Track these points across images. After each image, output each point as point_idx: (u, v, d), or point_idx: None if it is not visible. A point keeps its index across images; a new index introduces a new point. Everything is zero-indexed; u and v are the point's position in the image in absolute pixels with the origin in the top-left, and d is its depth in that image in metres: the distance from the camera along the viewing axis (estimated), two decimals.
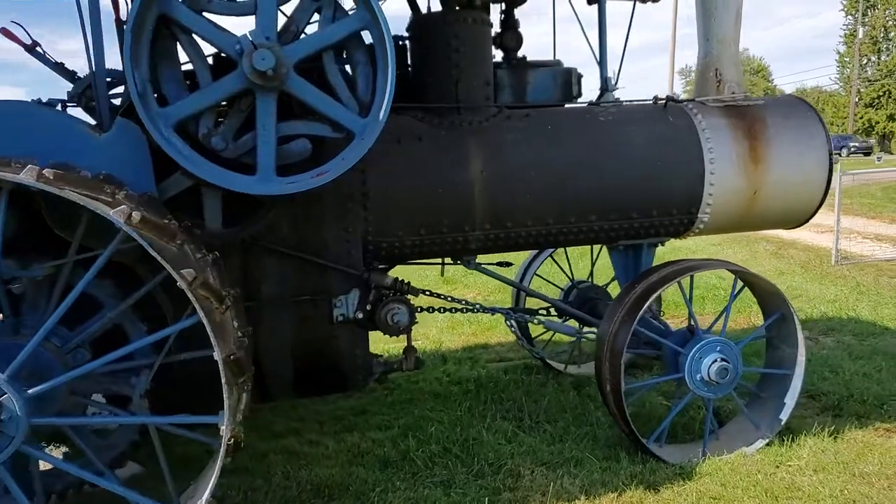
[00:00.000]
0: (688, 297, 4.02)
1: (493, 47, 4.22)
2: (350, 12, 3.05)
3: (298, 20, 3.04)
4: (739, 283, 4.12)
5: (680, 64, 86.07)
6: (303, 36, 3.06)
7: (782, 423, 3.85)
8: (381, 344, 5.38)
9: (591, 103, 4.28)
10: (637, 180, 3.96)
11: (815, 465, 3.55)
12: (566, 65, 4.35)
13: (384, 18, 2.94)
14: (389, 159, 3.72)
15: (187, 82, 3.10)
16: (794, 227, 4.52)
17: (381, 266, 4.38)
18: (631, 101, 4.26)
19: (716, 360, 3.62)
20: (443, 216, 3.76)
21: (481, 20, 3.98)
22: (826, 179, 4.18)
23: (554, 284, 5.66)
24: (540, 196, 3.85)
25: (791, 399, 3.87)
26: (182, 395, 3.17)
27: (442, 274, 4.89)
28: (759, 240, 12.00)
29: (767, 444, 3.80)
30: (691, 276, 4.00)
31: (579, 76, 4.45)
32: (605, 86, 4.34)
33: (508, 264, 4.94)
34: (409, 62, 4.07)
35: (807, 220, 4.40)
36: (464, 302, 4.28)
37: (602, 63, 4.35)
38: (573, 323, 4.90)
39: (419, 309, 4.40)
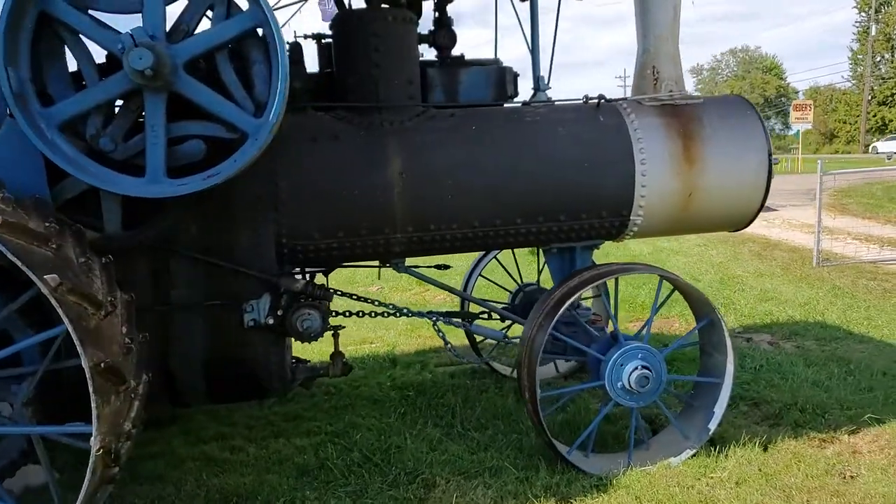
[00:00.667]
0: (613, 301, 3.90)
1: (418, 45, 4.16)
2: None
3: (189, 18, 2.97)
4: (672, 289, 4.00)
5: (692, 62, 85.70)
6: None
7: (710, 433, 3.74)
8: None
9: (524, 103, 4.19)
10: (564, 182, 3.86)
11: (737, 478, 3.44)
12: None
13: (273, 17, 2.87)
14: (304, 160, 3.66)
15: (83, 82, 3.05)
16: (735, 230, 4.41)
17: (312, 270, 4.34)
18: (563, 100, 4.17)
19: (636, 368, 3.52)
20: (361, 218, 3.68)
21: (404, 18, 3.90)
22: (766, 181, 4.06)
23: (502, 287, 5.56)
24: (464, 198, 3.76)
25: (720, 409, 3.76)
26: (74, 402, 3.12)
27: (378, 276, 4.80)
28: (746, 240, 11.84)
29: (695, 455, 3.70)
30: (616, 280, 3.90)
31: (515, 75, 4.36)
32: (537, 85, 4.25)
33: (447, 267, 4.87)
34: (332, 61, 3.99)
35: (748, 223, 4.29)
36: (391, 306, 4.21)
37: (535, 61, 4.26)
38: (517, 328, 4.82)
39: (347, 313, 4.37)
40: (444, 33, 4.34)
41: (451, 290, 4.38)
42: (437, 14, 4.34)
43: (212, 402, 3.83)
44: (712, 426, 3.75)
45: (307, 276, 4.38)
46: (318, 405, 4.81)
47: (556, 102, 4.17)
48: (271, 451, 4.07)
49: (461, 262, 5.66)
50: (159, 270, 3.48)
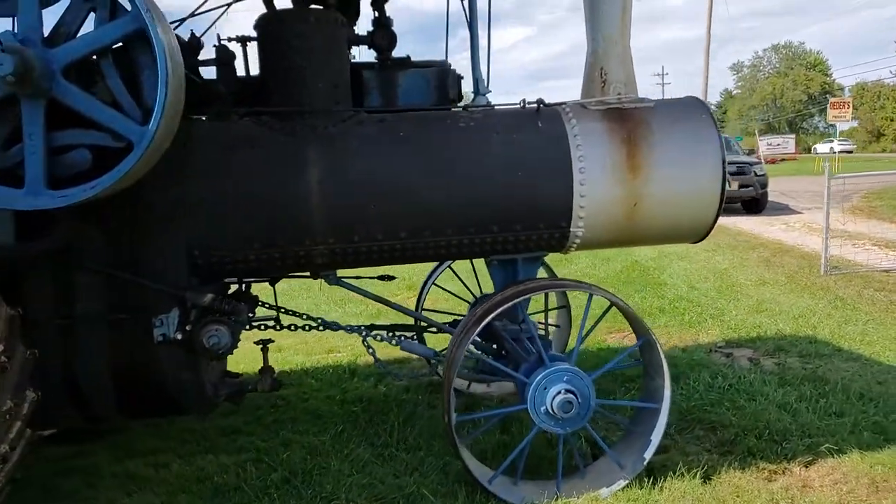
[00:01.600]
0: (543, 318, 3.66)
1: (348, 47, 4.01)
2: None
3: (69, 22, 2.85)
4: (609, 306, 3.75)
5: (732, 59, 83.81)
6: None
7: (644, 462, 3.49)
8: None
9: (465, 108, 3.98)
10: (496, 192, 3.65)
11: None
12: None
13: (153, 20, 2.73)
14: (220, 168, 3.52)
15: None
16: (692, 242, 4.13)
17: (249, 281, 4.21)
18: (502, 105, 3.95)
19: (560, 392, 3.29)
20: (278, 229, 3.53)
21: (330, 19, 3.74)
22: (719, 189, 3.78)
23: (461, 299, 5.36)
24: (389, 208, 3.58)
25: (656, 436, 3.51)
26: None
27: (319, 288, 4.64)
28: (757, 245, 11.45)
29: (627, 487, 3.45)
30: (546, 296, 3.67)
31: (458, 77, 4.18)
32: (476, 88, 4.04)
33: (391, 278, 4.70)
34: (259, 64, 3.85)
35: (704, 235, 4.01)
36: (319, 319, 4.05)
37: (474, 63, 4.05)
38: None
39: (277, 326, 4.23)
40: (382, 34, 4.17)
41: (386, 302, 4.20)
42: (375, 14, 4.19)
43: (126, 417, 3.72)
44: (648, 455, 3.50)
45: (244, 286, 4.28)
46: (261, 419, 4.68)
47: (496, 107, 3.96)
48: (195, 468, 3.95)
49: (421, 271, 5.47)
50: (63, 283, 3.37)
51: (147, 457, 4.11)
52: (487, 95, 4.08)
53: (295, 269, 3.80)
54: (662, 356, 3.48)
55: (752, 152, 22.90)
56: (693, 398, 4.59)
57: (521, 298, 3.50)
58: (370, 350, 4.00)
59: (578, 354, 3.63)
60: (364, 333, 3.98)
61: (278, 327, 4.25)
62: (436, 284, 5.33)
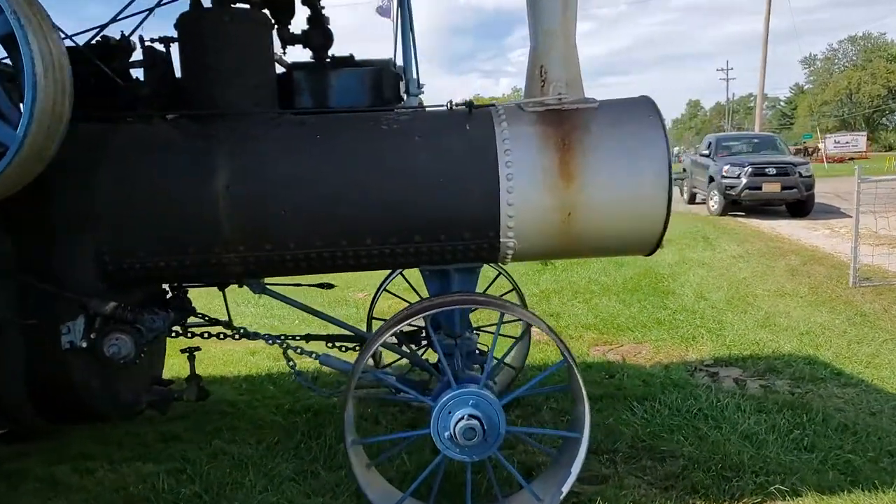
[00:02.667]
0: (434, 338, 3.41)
1: (283, 46, 3.88)
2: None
3: None
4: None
5: (804, 52, 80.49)
6: None
7: (561, 496, 3.22)
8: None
9: (392, 109, 3.79)
10: (417, 199, 3.44)
11: None
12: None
13: (19, 23, 2.65)
14: (131, 172, 3.44)
15: None
16: (642, 254, 3.83)
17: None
18: (434, 106, 3.74)
19: (462, 418, 3.06)
20: (187, 236, 3.42)
21: (249, 18, 3.61)
22: (665, 197, 3.47)
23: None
24: (302, 215, 3.43)
25: (576, 468, 3.23)
26: None
27: (225, 301, 4.45)
28: (789, 252, 10.81)
29: None
30: (457, 313, 3.45)
31: (397, 77, 3.99)
32: (407, 88, 3.84)
33: (331, 286, 4.55)
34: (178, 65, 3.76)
35: (654, 247, 3.70)
36: (241, 328, 3.94)
37: (406, 62, 3.85)
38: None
39: (205, 335, 4.15)
40: (316, 32, 4.03)
41: (311, 311, 4.05)
42: (310, 12, 4.04)
43: (48, 422, 3.69)
44: (565, 488, 3.23)
45: (181, 293, 4.22)
46: (203, 426, 4.61)
47: (426, 109, 3.75)
48: (118, 475, 3.90)
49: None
50: None
51: (78, 462, 4.08)
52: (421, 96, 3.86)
53: (210, 276, 3.69)
54: (580, 381, 3.20)
55: (805, 151, 21.73)
56: (652, 423, 4.27)
57: (425, 314, 3.26)
58: (290, 363, 3.86)
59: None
60: (284, 345, 3.84)
61: (206, 335, 4.16)
62: (387, 291, 5.15)
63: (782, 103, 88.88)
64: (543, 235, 3.56)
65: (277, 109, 3.68)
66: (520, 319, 3.54)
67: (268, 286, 3.93)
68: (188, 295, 4.21)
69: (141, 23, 3.85)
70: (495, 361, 4.05)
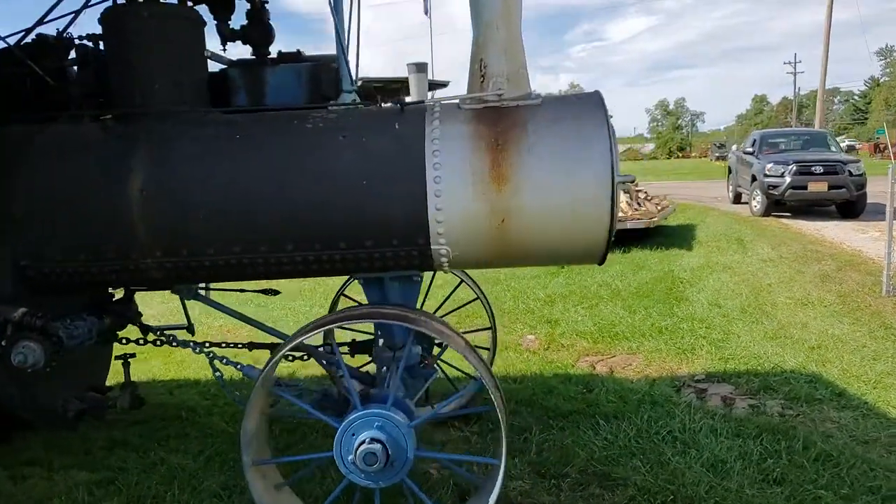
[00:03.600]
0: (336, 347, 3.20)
1: (222, 42, 3.77)
2: None
3: None
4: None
5: (880, 42, 76.62)
6: None
7: None
8: None
9: (325, 106, 3.61)
10: (340, 203, 3.25)
11: None
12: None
13: None
14: (49, 176, 3.36)
15: None
16: (590, 263, 3.54)
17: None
18: (369, 104, 3.54)
19: (364, 441, 2.86)
20: (103, 241, 3.32)
21: (172, 13, 3.49)
22: (607, 202, 3.18)
23: None
24: (217, 220, 3.28)
25: (493, 496, 2.98)
26: None
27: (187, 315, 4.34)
28: (826, 257, 10.18)
29: None
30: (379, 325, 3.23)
31: (335, 73, 3.81)
32: (339, 85, 3.65)
33: (276, 292, 4.40)
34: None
35: (601, 256, 3.41)
36: (172, 336, 3.82)
37: (340, 57, 3.66)
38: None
39: (141, 341, 4.06)
40: (255, 28, 3.88)
41: (244, 318, 3.91)
42: (249, 7, 3.90)
43: None
44: None
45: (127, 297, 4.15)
46: (155, 432, 4.54)
47: (359, 106, 3.55)
48: (50, 483, 3.86)
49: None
50: None
51: (18, 468, 4.06)
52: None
53: (132, 283, 3.60)
54: (495, 404, 2.94)
55: (876, 148, 20.45)
56: (614, 445, 3.97)
57: (328, 327, 3.07)
58: (216, 373, 3.72)
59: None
60: (210, 355, 3.71)
61: (141, 342, 4.07)
62: (345, 295, 4.97)
63: (856, 97, 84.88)
64: (478, 243, 3.32)
65: (205, 108, 3.54)
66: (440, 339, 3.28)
67: (202, 291, 3.82)
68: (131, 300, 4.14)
69: (72, 21, 3.76)
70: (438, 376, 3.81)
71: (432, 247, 3.30)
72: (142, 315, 4.29)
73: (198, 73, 3.60)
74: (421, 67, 14.10)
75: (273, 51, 3.93)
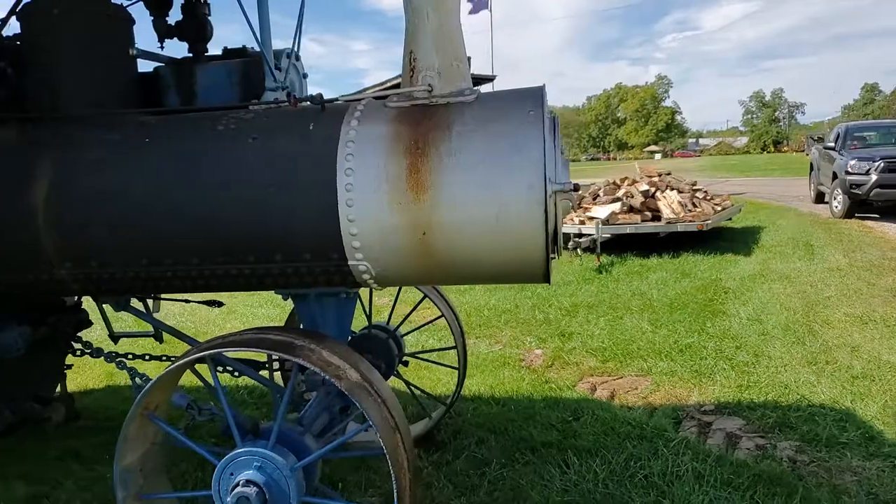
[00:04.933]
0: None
1: (160, 39, 3.60)
2: None
3: None
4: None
5: None
6: None
7: None
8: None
9: (247, 106, 3.33)
10: (246, 213, 2.98)
11: None
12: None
13: None
14: None
15: None
16: (533, 282, 3.13)
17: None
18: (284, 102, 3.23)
19: (239, 484, 2.56)
20: (10, 252, 3.19)
21: (91, 10, 3.30)
22: (539, 216, 2.75)
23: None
24: (122, 231, 3.08)
25: None
26: None
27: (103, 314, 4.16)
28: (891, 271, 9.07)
29: None
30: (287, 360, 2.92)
31: (262, 71, 3.54)
32: (261, 83, 3.37)
33: (219, 304, 4.18)
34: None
35: (541, 275, 2.98)
36: (97, 349, 3.67)
37: (263, 51, 3.37)
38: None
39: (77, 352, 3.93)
40: (191, 25, 3.67)
41: (171, 331, 3.69)
42: (184, 3, 3.69)
43: None
44: None
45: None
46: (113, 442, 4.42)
47: (281, 106, 3.25)
48: None
49: None
50: None
51: None
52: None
53: (51, 293, 3.44)
54: (397, 448, 2.57)
55: None
56: (576, 489, 3.51)
57: (190, 358, 2.77)
58: (135, 380, 3.52)
59: None
60: (121, 364, 3.53)
61: (78, 353, 3.94)
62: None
63: None
64: (400, 259, 2.97)
65: (121, 110, 3.34)
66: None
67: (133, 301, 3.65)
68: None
69: (5, 21, 3.64)
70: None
71: (349, 262, 2.98)
72: (89, 325, 4.20)
73: (119, 73, 3.41)
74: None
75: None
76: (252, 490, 2.54)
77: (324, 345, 2.76)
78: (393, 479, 2.52)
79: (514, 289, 8.83)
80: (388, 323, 4.46)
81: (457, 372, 4.43)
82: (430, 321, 4.69)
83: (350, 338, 4.33)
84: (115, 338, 4.35)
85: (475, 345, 6.45)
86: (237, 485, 2.57)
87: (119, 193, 3.07)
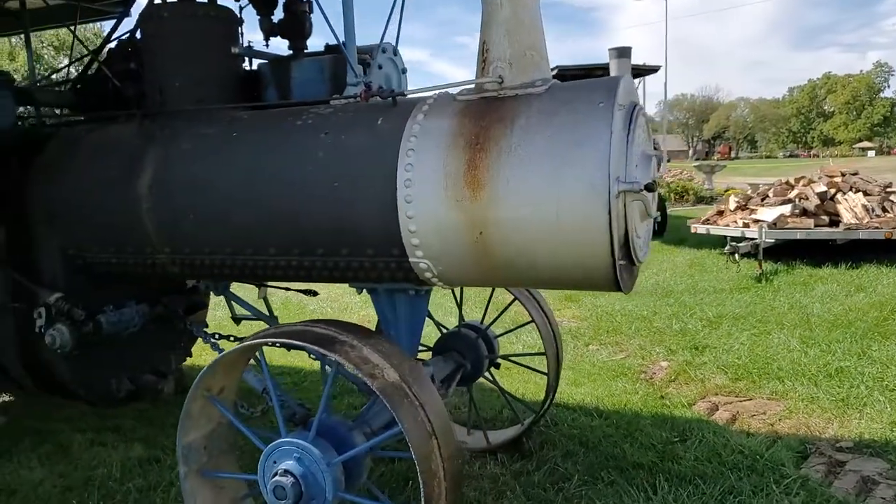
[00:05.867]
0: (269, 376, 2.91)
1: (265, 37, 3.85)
2: None
3: None
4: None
5: None
6: None
7: None
8: None
9: (327, 101, 3.41)
10: (315, 206, 3.08)
11: None
12: None
13: None
14: (85, 171, 3.69)
15: None
16: (603, 290, 2.91)
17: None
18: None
19: (277, 473, 2.63)
20: (124, 236, 3.56)
21: (194, 13, 3.58)
22: (603, 215, 2.54)
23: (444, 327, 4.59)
24: (207, 220, 3.34)
25: None
26: None
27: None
28: None
29: None
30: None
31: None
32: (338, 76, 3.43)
33: (315, 293, 4.33)
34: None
35: (610, 282, 2.75)
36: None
37: (342, 46, 3.41)
38: None
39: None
40: (291, 22, 3.84)
41: (263, 317, 3.87)
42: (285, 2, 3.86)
43: (46, 393, 4.20)
44: None
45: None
46: (157, 419, 4.74)
47: (356, 100, 3.28)
48: (111, 453, 4.25)
49: None
50: None
51: (104, 434, 4.56)
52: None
53: (156, 276, 3.76)
54: (412, 451, 2.50)
55: None
56: None
57: (236, 349, 2.83)
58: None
59: None
60: (214, 346, 3.76)
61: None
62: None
63: None
64: (459, 258, 2.91)
65: (217, 106, 3.57)
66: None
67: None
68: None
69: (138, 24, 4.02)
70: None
71: (410, 260, 2.96)
72: (203, 307, 4.56)
73: (221, 70, 3.65)
74: (623, 52, 13.17)
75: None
76: (288, 480, 2.61)
77: (368, 342, 2.76)
78: (421, 484, 2.46)
79: (656, 295, 8.34)
80: (482, 322, 4.37)
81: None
82: (521, 325, 4.51)
83: (440, 335, 4.33)
84: (236, 320, 4.71)
85: (596, 352, 6.17)
86: (276, 473, 2.65)
87: (205, 185, 3.31)
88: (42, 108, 4.59)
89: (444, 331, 4.35)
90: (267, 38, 3.99)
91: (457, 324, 4.32)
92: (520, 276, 2.97)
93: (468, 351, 4.12)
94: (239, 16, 3.82)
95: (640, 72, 15.34)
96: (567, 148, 2.61)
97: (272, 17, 3.96)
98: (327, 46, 3.94)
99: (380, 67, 3.76)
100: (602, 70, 13.19)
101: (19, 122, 4.26)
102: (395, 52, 3.99)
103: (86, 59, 4.81)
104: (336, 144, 3.07)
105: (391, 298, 3.32)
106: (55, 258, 3.78)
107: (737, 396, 4.95)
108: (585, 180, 2.56)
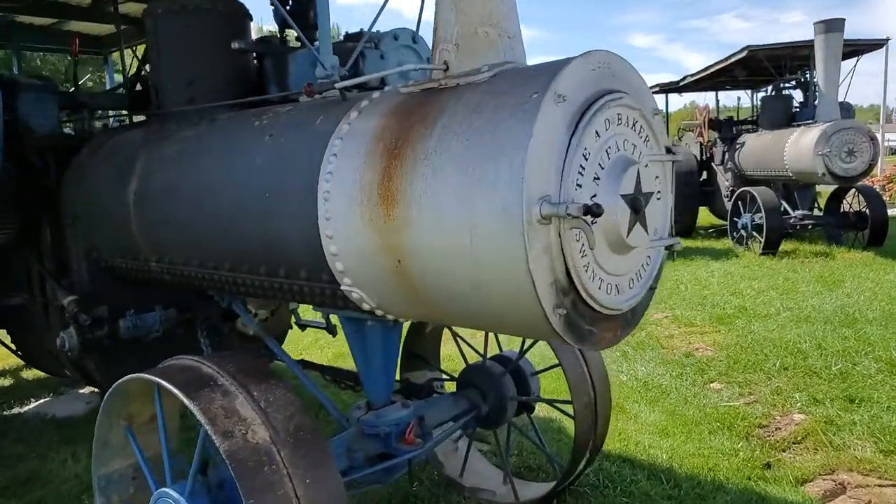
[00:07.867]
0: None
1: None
2: None
3: None
4: None
5: None
6: None
7: None
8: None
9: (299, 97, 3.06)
10: (249, 220, 2.79)
11: None
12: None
13: None
14: (99, 176, 3.77)
15: None
16: (534, 337, 2.31)
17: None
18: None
19: None
20: (122, 241, 3.58)
21: (190, 8, 3.43)
22: (516, 246, 1.91)
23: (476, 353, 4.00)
24: (173, 229, 3.23)
25: None
26: None
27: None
28: None
29: None
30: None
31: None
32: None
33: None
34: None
35: (545, 333, 2.11)
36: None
37: (300, 34, 3.02)
38: None
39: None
40: (300, 13, 3.56)
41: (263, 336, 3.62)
42: None
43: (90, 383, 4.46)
44: None
45: None
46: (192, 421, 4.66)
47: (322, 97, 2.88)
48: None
49: None
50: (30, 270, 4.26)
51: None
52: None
53: (157, 282, 3.70)
54: None
55: None
56: None
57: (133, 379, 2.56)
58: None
59: None
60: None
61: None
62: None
63: None
64: (386, 290, 2.44)
65: (206, 105, 3.39)
66: None
67: None
68: None
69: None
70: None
71: (342, 287, 2.54)
72: (236, 316, 4.48)
73: (217, 67, 3.47)
74: (833, 25, 11.66)
75: None
76: None
77: (258, 387, 2.36)
78: None
79: (833, 323, 6.84)
80: (519, 353, 3.73)
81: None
82: (546, 369, 3.74)
83: (463, 370, 3.78)
84: (301, 326, 4.62)
85: (715, 393, 5.13)
86: None
87: (173, 193, 3.17)
88: (95, 111, 4.82)
89: (475, 360, 3.81)
90: (281, 31, 3.77)
91: (485, 353, 3.75)
92: (452, 317, 2.42)
93: (490, 389, 3.54)
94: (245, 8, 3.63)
95: (858, 48, 12.80)
96: (482, 156, 2.01)
97: (287, 8, 3.73)
98: (347, 35, 3.63)
99: (381, 57, 3.34)
100: (808, 48, 11.22)
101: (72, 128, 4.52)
102: (415, 40, 3.54)
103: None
104: (275, 148, 2.73)
105: (350, 326, 2.93)
106: (81, 260, 3.91)
107: (879, 478, 3.75)
108: (496, 201, 1.94)
